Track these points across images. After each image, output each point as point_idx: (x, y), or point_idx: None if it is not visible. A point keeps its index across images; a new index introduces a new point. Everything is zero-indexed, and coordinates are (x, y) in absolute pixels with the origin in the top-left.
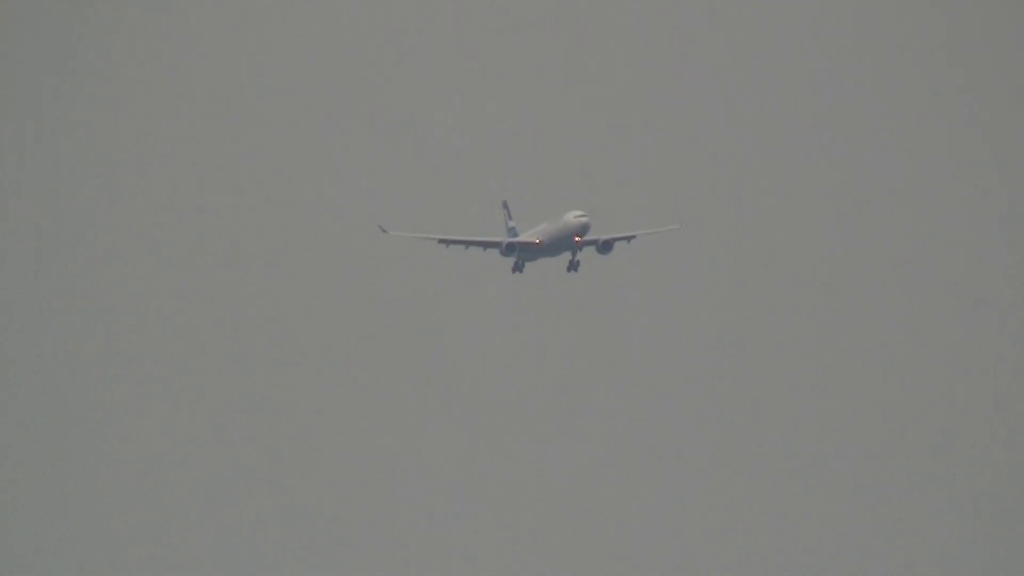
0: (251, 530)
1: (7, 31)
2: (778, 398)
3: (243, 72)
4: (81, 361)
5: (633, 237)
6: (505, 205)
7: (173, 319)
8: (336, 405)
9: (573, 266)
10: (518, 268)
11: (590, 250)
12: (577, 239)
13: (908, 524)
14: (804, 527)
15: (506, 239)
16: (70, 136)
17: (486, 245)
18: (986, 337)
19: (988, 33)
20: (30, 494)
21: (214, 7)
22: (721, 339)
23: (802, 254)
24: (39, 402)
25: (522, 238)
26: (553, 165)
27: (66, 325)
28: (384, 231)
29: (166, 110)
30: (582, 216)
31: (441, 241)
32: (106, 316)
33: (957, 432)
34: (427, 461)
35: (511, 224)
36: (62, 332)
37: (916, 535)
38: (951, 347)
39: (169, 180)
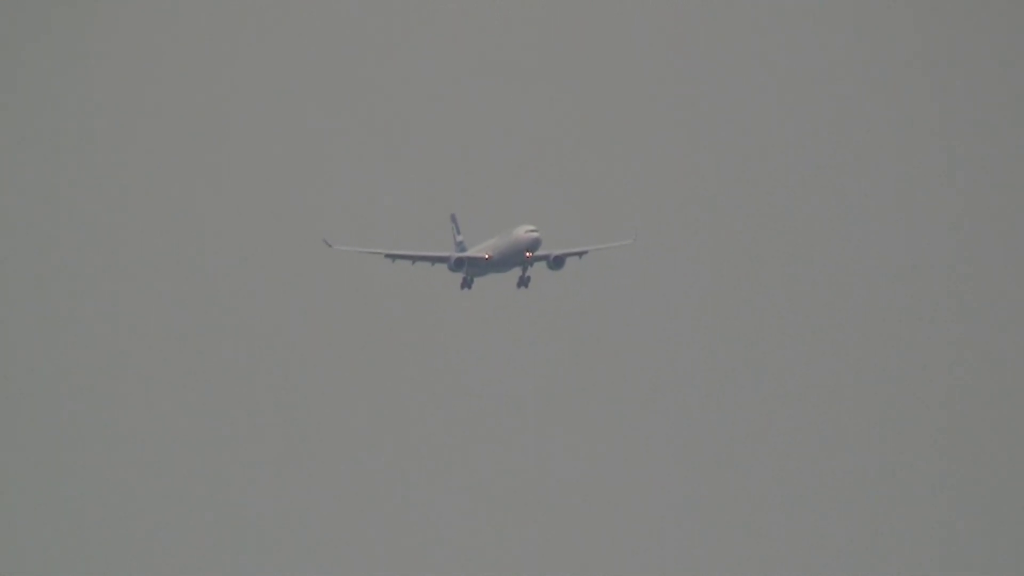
0: (239, 535)
1: (7, 31)
2: (740, 410)
3: (189, 80)
4: (66, 367)
5: (585, 252)
6: (453, 219)
7: (131, 330)
8: (279, 421)
9: (523, 282)
10: (467, 284)
11: (541, 265)
12: (528, 254)
13: (908, 527)
14: (797, 533)
15: (455, 254)
16: (60, 139)
17: (434, 260)
18: (986, 341)
19: (988, 34)
20: (30, 494)
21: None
22: (675, 356)
23: (764, 267)
24: (37, 402)
25: (471, 253)
26: (503, 178)
27: (58, 329)
28: (329, 245)
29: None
30: (533, 231)
31: (387, 256)
32: (76, 329)
33: (956, 436)
34: (374, 476)
35: (459, 238)
36: (57, 333)
37: (917, 539)
38: (926, 352)
39: (123, 192)
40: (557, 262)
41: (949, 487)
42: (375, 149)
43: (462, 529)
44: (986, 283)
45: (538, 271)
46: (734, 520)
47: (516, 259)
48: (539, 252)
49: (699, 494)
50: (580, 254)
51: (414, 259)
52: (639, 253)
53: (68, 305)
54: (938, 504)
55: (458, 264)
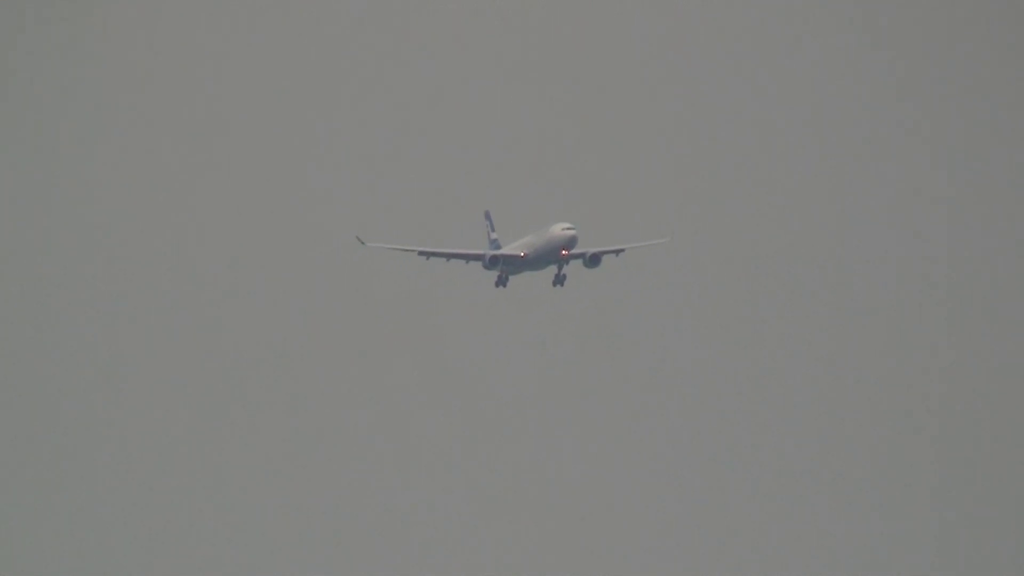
0: (238, 537)
1: (7, 31)
2: (769, 413)
3: (221, 77)
4: (65, 368)
5: (622, 251)
6: (488, 216)
7: (152, 330)
8: (307, 418)
9: (559, 280)
10: (501, 282)
11: (577, 264)
12: (564, 252)
13: (908, 528)
14: (797, 540)
15: (489, 252)
16: (58, 138)
17: (468, 258)
18: (990, 348)
19: (988, 34)
20: (30, 494)
21: (179, 16)
22: (712, 356)
23: (797, 266)
24: (36, 403)
25: (506, 251)
26: (538, 175)
27: (58, 329)
28: (362, 242)
29: (144, 120)
30: (569, 229)
31: (421, 253)
32: (79, 330)
33: (959, 447)
34: (403, 477)
35: (494, 236)
36: (55, 334)
37: (917, 539)
38: (939, 353)
39: (149, 190)
40: (593, 260)
41: (950, 488)
42: (410, 145)
43: (498, 529)
44: (990, 292)
45: (573, 269)
46: (767, 526)
47: (552, 257)
48: (575, 250)
49: (736, 491)
50: (616, 252)
51: (448, 256)
52: (676, 251)
53: (113, 306)
54: (938, 505)
55: (493, 262)
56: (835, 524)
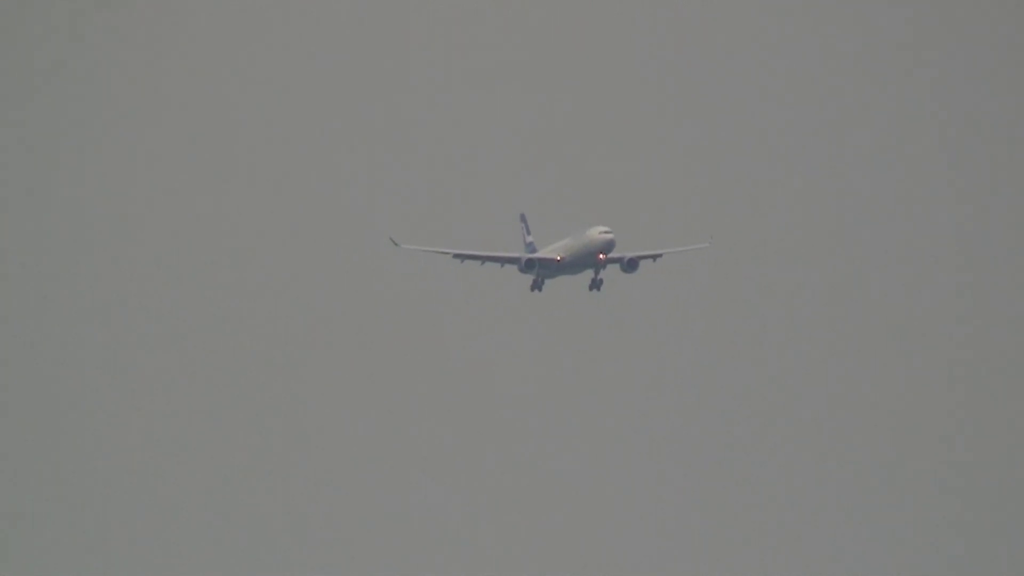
0: (254, 537)
1: (7, 31)
2: (808, 423)
3: (254, 76)
4: (80, 363)
5: (660, 255)
6: (523, 218)
7: (180, 332)
8: (342, 422)
9: (596, 285)
10: (537, 286)
11: (614, 268)
12: (601, 256)
13: (909, 530)
14: (818, 548)
15: (525, 255)
16: (68, 137)
17: (503, 261)
18: (1012, 358)
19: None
20: (30, 495)
21: (225, 8)
22: (752, 364)
23: (840, 273)
24: (36, 404)
25: (542, 254)
26: (574, 177)
27: (64, 327)
28: (396, 244)
29: (174, 113)
30: (607, 232)
31: (456, 256)
32: (125, 319)
33: (984, 455)
34: (436, 480)
35: (529, 239)
36: (59, 334)
37: (916, 540)
38: (987, 369)
39: (177, 187)
40: (631, 265)
41: (950, 491)
42: (445, 146)
43: (528, 535)
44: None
45: (610, 274)
46: (794, 537)
47: (589, 261)
48: (612, 254)
49: (776, 500)
50: (655, 257)
51: (483, 259)
52: (716, 257)
53: (150, 306)
54: (938, 506)
55: (529, 265)
56: (858, 535)
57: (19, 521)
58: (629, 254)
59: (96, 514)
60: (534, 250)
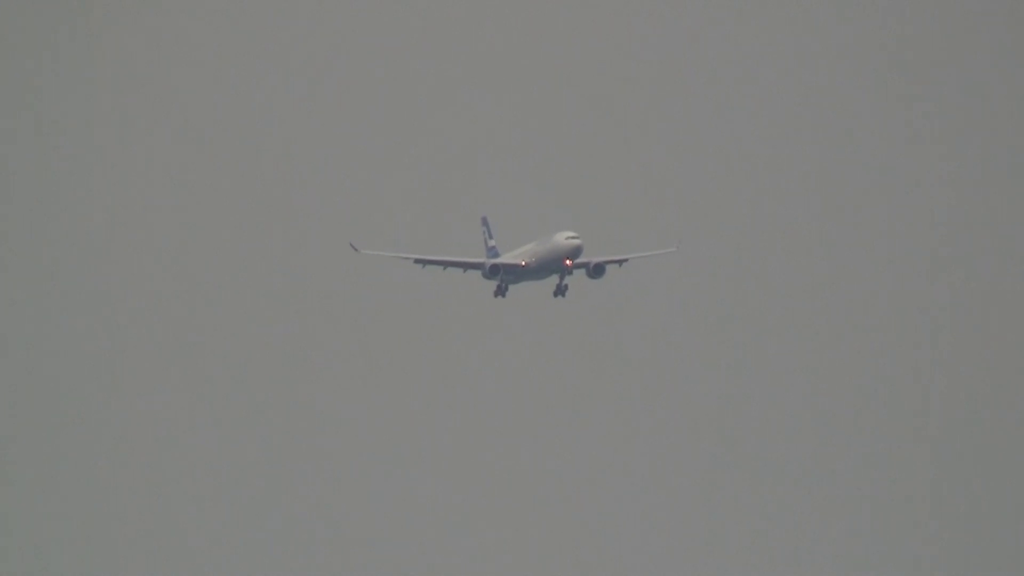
0: (236, 545)
1: (7, 30)
2: (776, 427)
3: (214, 82)
4: (74, 366)
5: (626, 260)
6: (485, 222)
7: (146, 337)
8: (304, 432)
9: (560, 290)
10: (501, 292)
11: (580, 274)
12: (568, 262)
13: (910, 531)
14: (804, 546)
15: (490, 260)
16: (64, 139)
17: (467, 266)
18: (999, 365)
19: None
20: (30, 496)
21: (177, 15)
22: (718, 370)
23: (807, 277)
24: (36, 404)
25: (507, 259)
26: (537, 180)
27: (60, 330)
28: (355, 249)
29: (133, 121)
30: (575, 238)
31: (417, 261)
32: (78, 334)
33: (977, 458)
34: (399, 486)
35: (491, 243)
36: (59, 334)
37: (917, 541)
38: (956, 362)
39: (143, 195)
40: (597, 270)
41: (952, 492)
42: (404, 148)
43: (492, 535)
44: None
45: (576, 279)
46: (772, 533)
47: (555, 267)
48: (579, 260)
49: (740, 502)
50: (620, 262)
51: (445, 265)
52: (683, 261)
53: (105, 312)
54: (938, 507)
55: (493, 271)
56: (844, 535)
57: (19, 521)
58: (595, 259)
59: (96, 514)
60: (496, 255)
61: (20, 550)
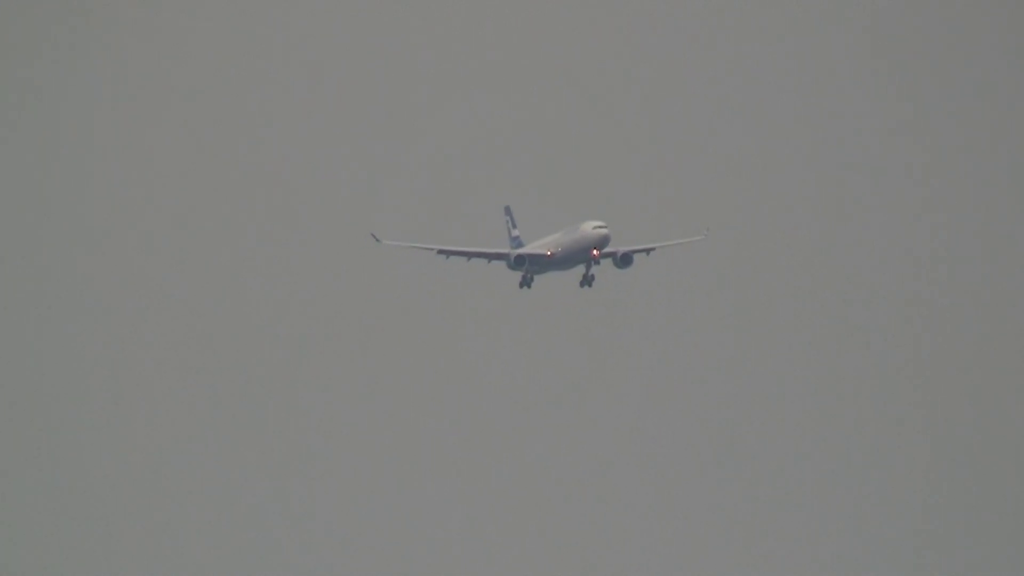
0: (245, 544)
1: (7, 30)
2: (804, 419)
3: (235, 74)
4: (72, 364)
5: (653, 249)
6: (508, 211)
7: (160, 333)
8: (327, 423)
9: (587, 280)
10: (526, 282)
11: (606, 264)
12: (595, 252)
13: (910, 532)
14: (824, 550)
15: (515, 250)
16: (66, 137)
17: (491, 257)
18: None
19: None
20: (30, 496)
21: (203, 8)
22: (749, 360)
23: (838, 267)
24: (38, 404)
25: (532, 249)
26: (560, 170)
27: (60, 327)
28: (377, 240)
29: (158, 113)
30: (602, 227)
31: (440, 252)
32: (108, 321)
33: (987, 459)
34: (424, 480)
35: (515, 233)
36: (59, 333)
37: (916, 542)
38: (989, 369)
39: (161, 186)
40: (624, 260)
41: (951, 494)
42: (428, 138)
43: (519, 533)
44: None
45: (603, 269)
46: (802, 539)
47: (581, 256)
48: (605, 249)
49: (770, 497)
50: (648, 251)
51: (469, 255)
52: (711, 250)
53: (123, 308)
54: (938, 509)
55: (518, 261)
56: (863, 538)
57: (19, 521)
58: (622, 249)
59: (96, 514)
60: (520, 244)
61: (20, 550)
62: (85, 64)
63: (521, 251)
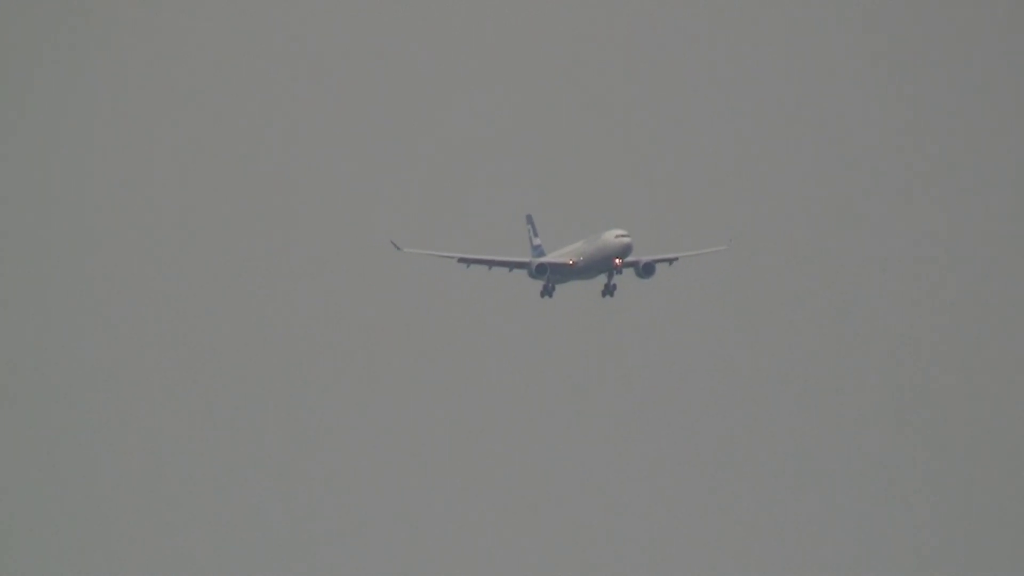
0: (256, 539)
1: (7, 30)
2: (827, 428)
3: (254, 78)
4: (75, 365)
5: (676, 259)
6: (529, 220)
7: (186, 337)
8: (346, 431)
9: (609, 290)
10: (547, 292)
11: (628, 273)
12: (617, 261)
13: (911, 533)
14: (830, 552)
15: (536, 259)
16: (66, 137)
17: (512, 265)
18: None
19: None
20: (30, 497)
21: (204, 9)
22: (772, 371)
23: (864, 279)
24: (38, 404)
25: (554, 258)
26: (582, 178)
27: (69, 328)
28: (397, 248)
29: (178, 115)
30: (625, 236)
31: (461, 260)
32: (124, 323)
33: (993, 464)
34: (444, 488)
35: (536, 241)
36: (60, 335)
37: (917, 542)
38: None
39: (178, 189)
40: (647, 269)
41: (952, 494)
42: (449, 146)
43: (541, 540)
44: None
45: (625, 278)
46: (812, 548)
47: (603, 266)
48: (628, 259)
49: (795, 507)
50: (671, 261)
51: (490, 264)
52: (734, 260)
53: (140, 312)
54: (939, 510)
55: (540, 270)
56: (877, 542)
57: (19, 521)
58: (645, 258)
59: (96, 515)
60: (542, 253)
61: (20, 550)
62: (85, 64)
63: (543, 260)
